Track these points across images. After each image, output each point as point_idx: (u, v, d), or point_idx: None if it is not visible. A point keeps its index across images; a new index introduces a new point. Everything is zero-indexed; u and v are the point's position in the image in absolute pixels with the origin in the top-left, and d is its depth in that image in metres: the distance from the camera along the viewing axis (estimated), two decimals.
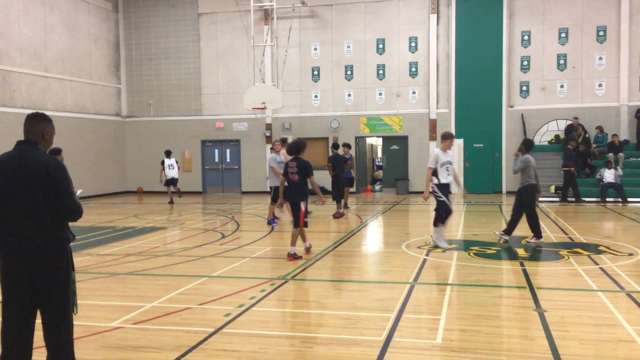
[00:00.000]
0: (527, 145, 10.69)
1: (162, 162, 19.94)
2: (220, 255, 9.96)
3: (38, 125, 3.95)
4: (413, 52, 22.73)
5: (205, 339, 5.42)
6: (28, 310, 3.78)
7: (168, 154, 20.20)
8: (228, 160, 24.69)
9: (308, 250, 9.74)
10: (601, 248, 9.95)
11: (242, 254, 9.98)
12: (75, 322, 3.99)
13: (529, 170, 10.40)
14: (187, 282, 7.81)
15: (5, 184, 3.75)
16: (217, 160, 24.91)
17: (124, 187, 25.15)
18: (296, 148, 9.56)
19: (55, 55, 21.18)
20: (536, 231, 10.50)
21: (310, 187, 9.71)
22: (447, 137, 10.21)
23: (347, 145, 16.51)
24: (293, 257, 9.29)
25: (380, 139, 24.46)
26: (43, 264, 3.73)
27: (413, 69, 22.74)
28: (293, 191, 9.44)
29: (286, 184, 9.49)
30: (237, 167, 24.59)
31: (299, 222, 9.37)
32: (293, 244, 9.43)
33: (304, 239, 9.69)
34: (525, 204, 10.49)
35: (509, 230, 10.64)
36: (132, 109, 25.34)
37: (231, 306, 6.55)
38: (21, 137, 3.96)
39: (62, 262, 3.81)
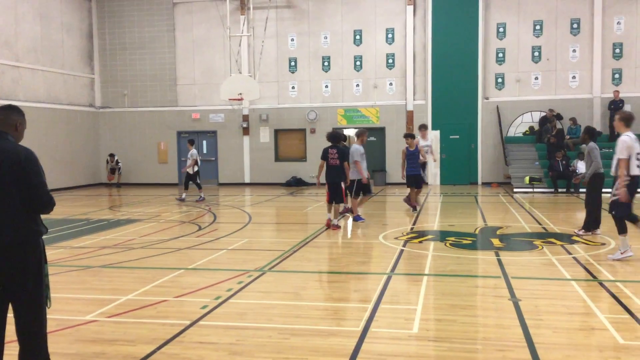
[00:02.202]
0: (591, 133, 10.01)
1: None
2: (197, 247, 9.89)
3: (12, 116, 3.88)
4: (390, 44, 22.75)
5: (182, 332, 5.39)
6: None
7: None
8: (205, 151, 24.48)
9: (336, 226, 11.49)
10: (574, 238, 10.09)
11: (219, 246, 9.93)
12: (48, 316, 3.91)
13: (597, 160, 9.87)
14: (163, 274, 7.75)
15: None
16: None
17: (98, 179, 24.78)
18: (336, 137, 11.50)
19: (26, 45, 20.72)
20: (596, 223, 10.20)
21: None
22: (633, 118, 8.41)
23: (410, 136, 14.57)
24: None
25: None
26: (15, 257, 3.65)
27: (390, 61, 22.77)
28: (335, 173, 11.45)
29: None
30: (214, 158, 24.41)
31: (341, 199, 11.65)
32: (335, 216, 11.65)
33: (336, 216, 11.71)
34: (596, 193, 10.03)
35: (594, 225, 10.18)
36: (106, 99, 24.95)
37: (208, 298, 6.51)
38: None
39: (34, 255, 3.74)
